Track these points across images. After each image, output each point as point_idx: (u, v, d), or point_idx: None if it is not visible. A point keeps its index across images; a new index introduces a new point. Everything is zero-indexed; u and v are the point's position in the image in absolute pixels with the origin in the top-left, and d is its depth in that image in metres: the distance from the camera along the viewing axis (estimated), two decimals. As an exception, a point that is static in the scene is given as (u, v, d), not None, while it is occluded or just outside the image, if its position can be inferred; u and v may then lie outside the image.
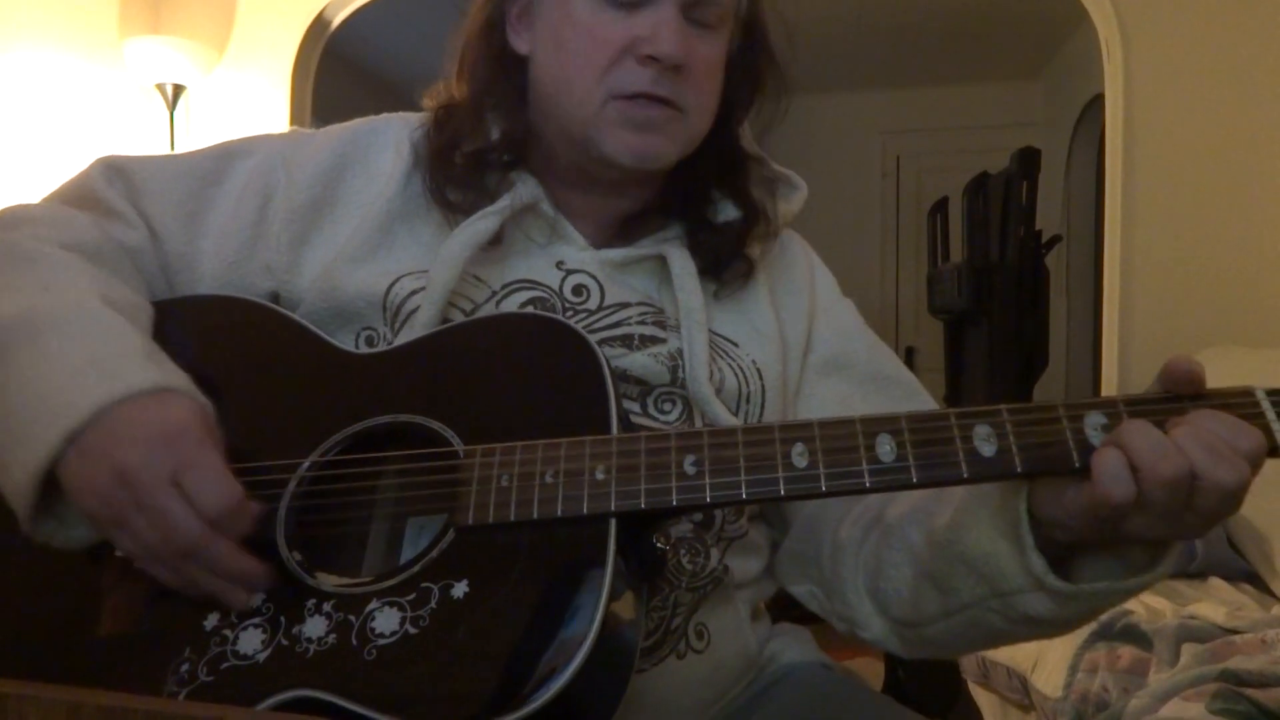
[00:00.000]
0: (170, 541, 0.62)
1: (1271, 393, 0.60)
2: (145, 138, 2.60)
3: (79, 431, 0.63)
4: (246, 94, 2.68)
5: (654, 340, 0.82)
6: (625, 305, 0.83)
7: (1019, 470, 0.61)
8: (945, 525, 0.70)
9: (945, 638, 0.74)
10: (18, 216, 0.80)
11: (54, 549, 0.67)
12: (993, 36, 4.47)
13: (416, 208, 0.84)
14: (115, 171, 0.86)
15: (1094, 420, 0.61)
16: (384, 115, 0.91)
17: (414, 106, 0.93)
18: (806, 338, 0.90)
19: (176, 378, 0.68)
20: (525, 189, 0.83)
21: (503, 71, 0.85)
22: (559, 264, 0.83)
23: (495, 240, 0.81)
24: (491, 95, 0.85)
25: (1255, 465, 0.58)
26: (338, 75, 3.12)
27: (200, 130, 2.66)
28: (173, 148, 2.53)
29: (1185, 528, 0.60)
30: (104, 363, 0.66)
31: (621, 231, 0.87)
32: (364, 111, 0.93)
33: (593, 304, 0.82)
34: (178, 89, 2.54)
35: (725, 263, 0.86)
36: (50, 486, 0.64)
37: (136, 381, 0.65)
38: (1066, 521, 0.62)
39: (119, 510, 0.63)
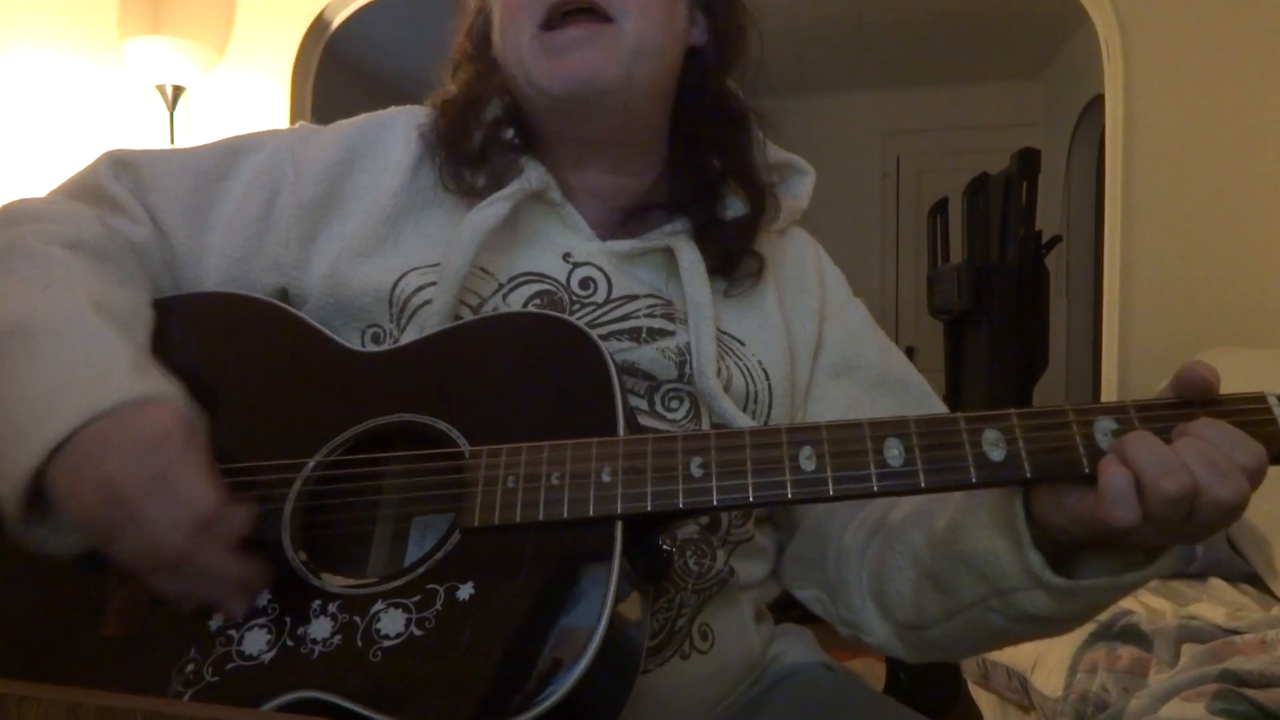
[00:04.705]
0: (158, 552, 0.62)
1: (1283, 398, 0.60)
2: (145, 138, 2.59)
3: (62, 443, 0.62)
4: (246, 94, 2.67)
5: (662, 333, 0.81)
6: (633, 298, 0.82)
7: (1028, 475, 0.60)
8: (945, 525, 0.70)
9: (948, 639, 0.74)
10: (22, 212, 0.80)
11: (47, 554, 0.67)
12: (993, 36, 4.47)
13: (424, 200, 0.84)
14: (122, 166, 0.85)
15: (1104, 425, 0.60)
16: (392, 109, 0.91)
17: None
18: (816, 339, 0.89)
19: (162, 387, 0.67)
20: (534, 174, 0.83)
21: (491, 67, 0.86)
22: (566, 256, 0.83)
23: (505, 230, 0.81)
24: (483, 88, 0.86)
25: (1254, 479, 0.57)
26: (338, 75, 3.12)
27: (200, 131, 2.66)
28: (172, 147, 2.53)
29: (1184, 537, 0.60)
30: (89, 374, 0.66)
31: (628, 223, 0.86)
32: (363, 112, 0.92)
33: (600, 297, 0.82)
34: (178, 89, 2.54)
35: (734, 259, 0.85)
36: (40, 494, 0.64)
37: (121, 393, 0.65)
38: (1068, 527, 0.62)
39: (107, 524, 0.62)
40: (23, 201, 0.82)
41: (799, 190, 0.93)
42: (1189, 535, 0.59)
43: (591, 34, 0.78)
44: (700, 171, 0.87)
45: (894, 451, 0.62)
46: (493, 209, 0.80)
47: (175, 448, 0.63)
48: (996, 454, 0.61)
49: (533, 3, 0.79)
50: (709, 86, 0.87)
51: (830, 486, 0.62)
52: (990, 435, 0.61)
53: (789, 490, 0.62)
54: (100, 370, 0.66)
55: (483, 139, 0.84)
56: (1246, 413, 0.60)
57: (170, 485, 0.62)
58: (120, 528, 0.62)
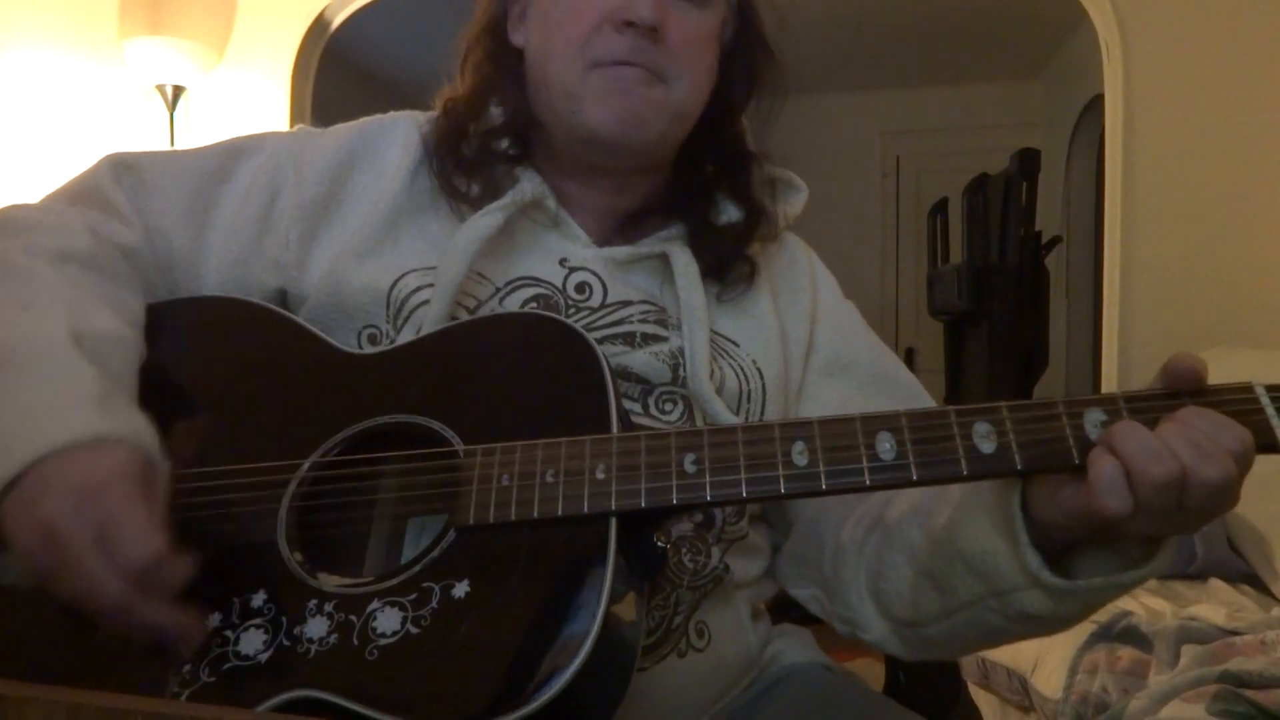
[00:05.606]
0: (94, 600, 0.59)
1: (1271, 389, 0.60)
2: (145, 138, 2.60)
3: (15, 480, 0.61)
4: (246, 95, 2.68)
5: (655, 338, 0.82)
6: (627, 303, 0.83)
7: (1019, 467, 0.61)
8: (943, 524, 0.70)
9: (946, 637, 0.74)
10: (13, 222, 0.78)
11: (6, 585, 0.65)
12: (993, 36, 4.47)
13: (422, 204, 0.85)
14: (124, 168, 0.85)
15: (1094, 417, 0.61)
16: (392, 113, 0.91)
17: (415, 107, 0.93)
18: (808, 339, 0.90)
19: (123, 427, 0.64)
20: (530, 184, 0.83)
21: (503, 64, 0.87)
22: (562, 261, 0.84)
23: (502, 236, 0.82)
24: (493, 87, 0.87)
25: (1241, 462, 0.58)
26: (338, 75, 3.12)
27: (200, 131, 2.66)
28: (173, 148, 2.53)
29: (1177, 526, 0.60)
30: (50, 409, 0.64)
31: (624, 230, 0.87)
32: (364, 112, 0.92)
33: (595, 301, 0.82)
34: (178, 90, 2.54)
35: (728, 264, 0.86)
36: None
37: (76, 431, 0.62)
38: (1063, 523, 0.62)
39: (46, 565, 0.60)
40: (12, 209, 0.81)
41: (793, 200, 0.94)
42: (1183, 523, 0.60)
43: (648, 82, 0.81)
44: (696, 179, 0.89)
45: (885, 445, 0.62)
46: (488, 219, 0.81)
47: (118, 494, 0.60)
48: (987, 446, 0.61)
49: (595, 46, 0.80)
50: (723, 125, 0.89)
51: (823, 480, 0.62)
52: (981, 428, 0.61)
53: (781, 485, 0.62)
54: (62, 405, 0.64)
55: (477, 148, 0.85)
56: (1234, 402, 0.60)
57: (109, 536, 0.59)
58: (58, 571, 0.60)
